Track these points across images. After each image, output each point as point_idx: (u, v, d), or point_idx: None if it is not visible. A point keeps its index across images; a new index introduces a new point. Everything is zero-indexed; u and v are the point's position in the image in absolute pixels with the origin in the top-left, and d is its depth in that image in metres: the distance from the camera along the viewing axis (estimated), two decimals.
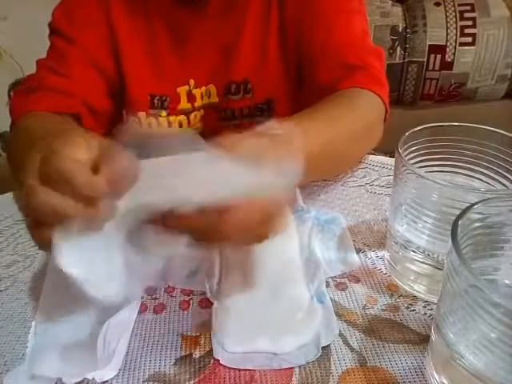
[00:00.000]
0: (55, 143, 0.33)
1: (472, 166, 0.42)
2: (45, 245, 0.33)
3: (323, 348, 0.38)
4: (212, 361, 0.38)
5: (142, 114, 0.70)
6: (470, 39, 1.46)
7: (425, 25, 1.48)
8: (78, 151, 0.33)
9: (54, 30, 0.67)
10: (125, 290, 0.35)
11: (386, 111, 0.62)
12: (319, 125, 0.50)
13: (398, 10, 1.51)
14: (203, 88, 0.70)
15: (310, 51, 0.64)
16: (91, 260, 0.33)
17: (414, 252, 0.41)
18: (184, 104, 0.70)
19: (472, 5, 1.47)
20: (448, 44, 1.47)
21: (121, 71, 0.69)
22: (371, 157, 0.65)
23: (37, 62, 0.67)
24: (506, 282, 0.36)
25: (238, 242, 0.36)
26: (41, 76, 0.65)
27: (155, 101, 0.70)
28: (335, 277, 0.45)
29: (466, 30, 1.46)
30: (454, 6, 1.47)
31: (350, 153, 0.59)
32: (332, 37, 0.63)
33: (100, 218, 0.32)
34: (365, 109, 0.58)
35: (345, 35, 0.63)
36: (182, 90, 0.70)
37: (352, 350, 0.38)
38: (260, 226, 0.34)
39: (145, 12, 0.67)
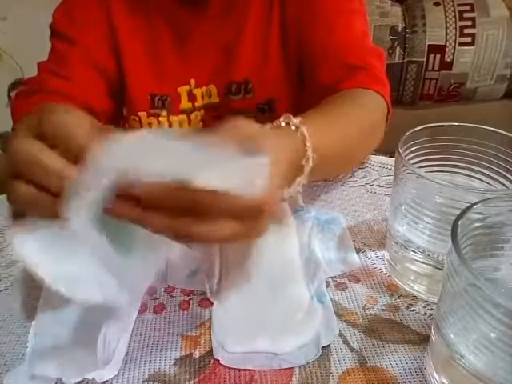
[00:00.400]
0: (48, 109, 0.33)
1: (472, 166, 0.42)
2: (18, 200, 0.33)
3: (323, 348, 0.38)
4: (212, 361, 0.37)
5: (142, 114, 0.70)
6: (469, 39, 1.46)
7: (424, 25, 1.48)
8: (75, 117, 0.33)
9: (54, 32, 0.68)
10: (112, 292, 0.34)
11: (388, 111, 0.62)
12: (330, 122, 0.50)
13: (397, 9, 1.51)
14: (204, 88, 0.70)
15: (310, 51, 0.64)
16: (59, 259, 0.33)
17: (414, 252, 0.41)
18: (185, 104, 0.70)
19: (471, 5, 1.47)
20: (447, 44, 1.47)
21: (121, 71, 0.69)
22: (371, 157, 0.65)
23: (38, 64, 0.67)
24: (506, 282, 0.36)
25: (221, 237, 0.33)
26: (42, 78, 0.65)
27: (156, 100, 0.70)
28: (335, 277, 0.45)
29: (466, 30, 1.46)
30: (453, 5, 1.47)
31: (358, 151, 0.59)
32: (333, 37, 0.63)
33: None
34: (369, 108, 0.59)
35: (345, 36, 0.63)
36: (183, 90, 0.70)
37: (352, 349, 0.38)
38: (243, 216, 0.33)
39: (145, 12, 0.67)
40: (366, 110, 0.58)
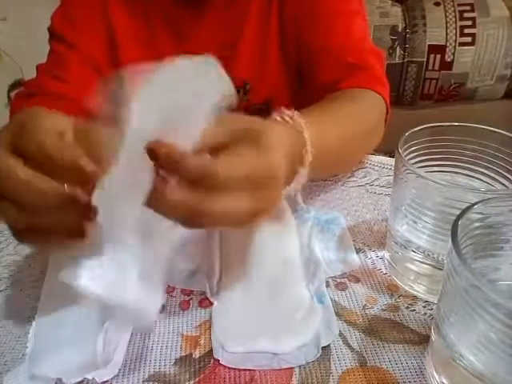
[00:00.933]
0: (27, 116, 0.34)
1: (472, 166, 0.42)
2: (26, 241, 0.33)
3: (323, 348, 0.38)
4: (212, 361, 0.37)
5: None
6: (469, 39, 1.46)
7: (424, 25, 1.48)
8: (54, 122, 0.34)
9: (53, 35, 0.68)
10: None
11: (387, 111, 0.62)
12: (328, 120, 0.50)
13: (397, 9, 1.51)
14: None
15: (310, 52, 0.64)
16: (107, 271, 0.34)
17: (414, 252, 0.41)
18: None
19: (472, 5, 1.47)
20: (448, 44, 1.47)
21: None
22: (371, 157, 0.65)
23: (37, 66, 0.67)
24: (506, 281, 0.36)
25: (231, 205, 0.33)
26: (40, 81, 0.65)
27: None
28: (335, 277, 0.45)
29: (466, 30, 1.46)
30: (453, 5, 1.47)
31: (356, 150, 0.59)
32: (332, 38, 0.63)
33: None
34: (368, 107, 0.59)
35: (345, 36, 0.63)
36: None
37: (352, 350, 0.38)
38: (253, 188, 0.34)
39: (144, 12, 0.67)
40: (364, 109, 0.58)
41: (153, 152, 0.31)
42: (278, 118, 0.43)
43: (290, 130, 0.42)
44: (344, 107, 0.55)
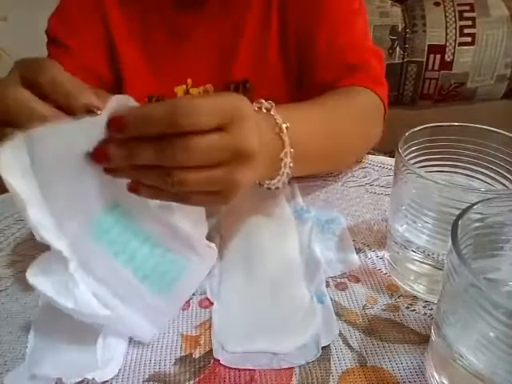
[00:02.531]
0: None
1: (472, 166, 0.42)
2: None
3: (323, 348, 0.38)
4: (212, 361, 0.37)
5: None
6: (469, 39, 1.46)
7: (424, 25, 1.48)
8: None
9: (50, 38, 0.68)
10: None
11: (385, 112, 0.62)
12: (315, 111, 0.51)
13: (397, 9, 1.51)
14: (201, 87, 0.70)
15: (311, 52, 0.64)
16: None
17: (414, 252, 0.41)
18: None
19: (471, 5, 1.47)
20: (447, 44, 1.47)
21: (118, 75, 0.69)
22: (371, 157, 0.65)
23: None
24: (506, 281, 0.36)
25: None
26: None
27: (153, 102, 0.70)
28: (335, 277, 0.45)
29: (466, 30, 1.46)
30: (453, 5, 1.47)
31: (348, 147, 0.58)
32: (333, 38, 0.63)
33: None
34: (362, 104, 0.59)
35: (347, 36, 0.63)
36: (180, 90, 0.70)
37: (352, 349, 0.38)
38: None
39: (141, 14, 0.67)
40: (358, 105, 0.58)
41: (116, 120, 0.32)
42: (256, 108, 0.44)
43: (259, 114, 0.43)
44: (335, 100, 0.56)
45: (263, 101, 0.45)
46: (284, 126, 0.43)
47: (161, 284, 0.40)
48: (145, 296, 0.39)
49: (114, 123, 0.32)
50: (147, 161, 0.33)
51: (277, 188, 0.47)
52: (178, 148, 0.32)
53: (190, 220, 0.41)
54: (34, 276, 0.35)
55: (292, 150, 0.44)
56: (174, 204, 0.38)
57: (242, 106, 0.35)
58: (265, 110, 0.44)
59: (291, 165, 0.45)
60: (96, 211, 0.37)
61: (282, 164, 0.45)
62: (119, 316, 0.37)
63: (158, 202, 0.38)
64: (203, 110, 0.32)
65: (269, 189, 0.47)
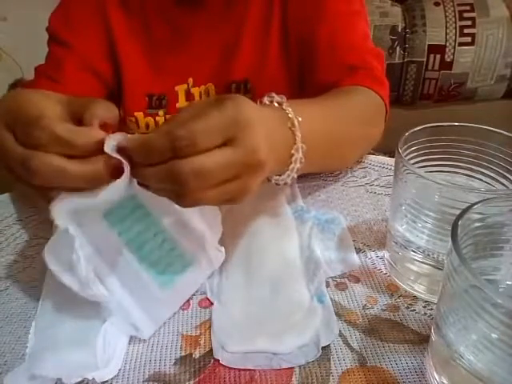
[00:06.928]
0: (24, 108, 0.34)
1: (472, 166, 0.42)
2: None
3: (323, 348, 0.38)
4: (212, 361, 0.37)
5: (139, 114, 0.70)
6: (469, 39, 1.46)
7: (424, 25, 1.48)
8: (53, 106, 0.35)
9: (51, 36, 0.68)
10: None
11: (386, 112, 0.62)
12: (319, 112, 0.51)
13: (397, 9, 1.51)
14: (202, 87, 0.70)
15: (312, 52, 0.64)
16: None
17: (414, 252, 0.41)
18: (182, 103, 0.70)
19: (471, 5, 1.47)
20: (447, 44, 1.47)
21: (119, 73, 0.69)
22: (371, 157, 0.65)
23: (35, 68, 0.68)
24: (506, 281, 0.36)
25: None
26: (38, 83, 0.66)
27: (153, 100, 0.70)
28: (335, 277, 0.45)
29: (466, 30, 1.46)
30: (453, 5, 1.47)
31: (349, 145, 0.58)
32: (334, 39, 0.63)
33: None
34: (363, 103, 0.59)
35: (347, 37, 0.63)
36: (181, 89, 0.70)
37: (352, 349, 0.38)
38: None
39: (142, 12, 0.67)
40: (359, 105, 0.58)
41: (124, 149, 0.33)
42: (267, 102, 0.44)
43: (277, 111, 0.43)
44: (335, 98, 0.56)
45: (274, 95, 0.44)
46: (296, 120, 0.43)
47: (164, 276, 0.41)
48: (149, 286, 0.40)
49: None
50: (160, 188, 0.34)
51: (285, 184, 0.46)
52: (188, 174, 0.32)
53: (205, 221, 0.42)
54: (48, 253, 0.36)
55: (303, 145, 0.43)
56: None
57: (242, 116, 0.34)
58: (276, 104, 0.44)
59: (302, 160, 0.44)
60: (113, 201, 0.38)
61: (293, 159, 0.43)
62: (121, 304, 0.39)
63: None
64: (204, 134, 0.32)
65: (277, 184, 0.46)
